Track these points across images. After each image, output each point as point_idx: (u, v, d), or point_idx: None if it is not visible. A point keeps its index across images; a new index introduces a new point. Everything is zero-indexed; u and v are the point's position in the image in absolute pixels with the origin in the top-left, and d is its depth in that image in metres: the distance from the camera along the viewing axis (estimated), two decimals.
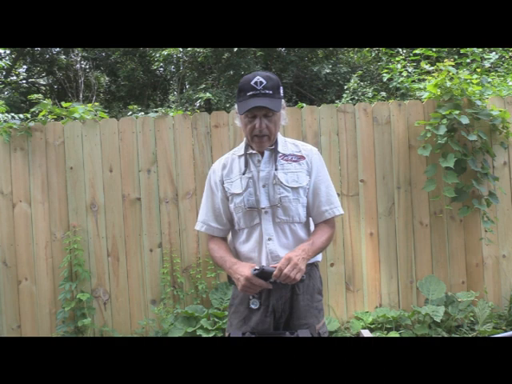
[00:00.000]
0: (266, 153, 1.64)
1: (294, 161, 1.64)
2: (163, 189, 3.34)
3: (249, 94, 1.52)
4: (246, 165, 1.63)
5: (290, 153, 1.66)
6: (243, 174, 1.63)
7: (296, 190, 1.61)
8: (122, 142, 3.34)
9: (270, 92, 1.52)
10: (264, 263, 1.60)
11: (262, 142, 1.59)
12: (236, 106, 1.60)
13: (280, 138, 1.68)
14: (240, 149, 1.71)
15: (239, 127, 1.67)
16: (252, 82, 1.53)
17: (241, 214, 1.63)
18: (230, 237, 1.78)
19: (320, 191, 1.65)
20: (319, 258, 1.72)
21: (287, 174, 1.61)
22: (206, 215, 1.72)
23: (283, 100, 1.61)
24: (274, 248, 1.61)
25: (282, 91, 1.59)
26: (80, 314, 3.20)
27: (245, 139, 1.68)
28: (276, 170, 1.60)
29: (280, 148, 1.65)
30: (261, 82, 1.52)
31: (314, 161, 1.67)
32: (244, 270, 1.50)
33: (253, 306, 1.59)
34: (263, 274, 1.47)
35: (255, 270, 1.48)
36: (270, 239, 1.61)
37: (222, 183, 1.68)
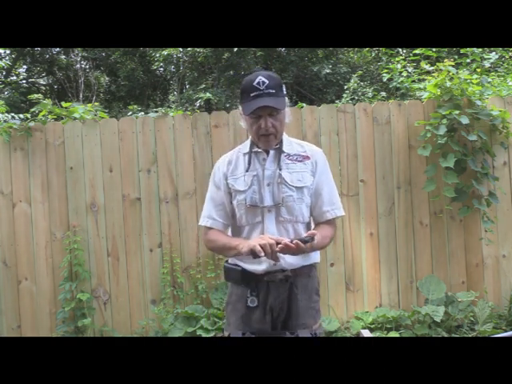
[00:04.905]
0: (272, 152, 1.66)
1: (299, 161, 1.66)
2: (163, 189, 3.34)
3: (252, 94, 1.53)
4: (250, 162, 1.65)
5: (295, 153, 1.68)
6: (246, 171, 1.64)
7: (300, 190, 1.63)
8: (122, 141, 3.34)
9: (273, 91, 1.54)
10: (265, 261, 1.58)
11: (268, 140, 1.61)
12: (240, 107, 1.62)
13: (285, 137, 1.70)
14: (245, 146, 1.72)
15: (240, 128, 1.68)
16: (254, 83, 1.54)
17: (243, 211, 1.63)
18: (229, 233, 1.78)
19: (323, 191, 1.67)
20: (317, 259, 1.72)
21: (292, 173, 1.63)
22: (210, 210, 1.72)
23: (286, 98, 1.63)
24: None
25: (284, 89, 1.61)
26: (80, 313, 3.20)
27: (250, 137, 1.69)
28: (280, 169, 1.62)
29: (285, 148, 1.67)
30: (263, 82, 1.53)
31: (319, 161, 1.69)
32: (256, 239, 1.50)
33: (251, 304, 1.59)
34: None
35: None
36: None
37: (226, 179, 1.69)
